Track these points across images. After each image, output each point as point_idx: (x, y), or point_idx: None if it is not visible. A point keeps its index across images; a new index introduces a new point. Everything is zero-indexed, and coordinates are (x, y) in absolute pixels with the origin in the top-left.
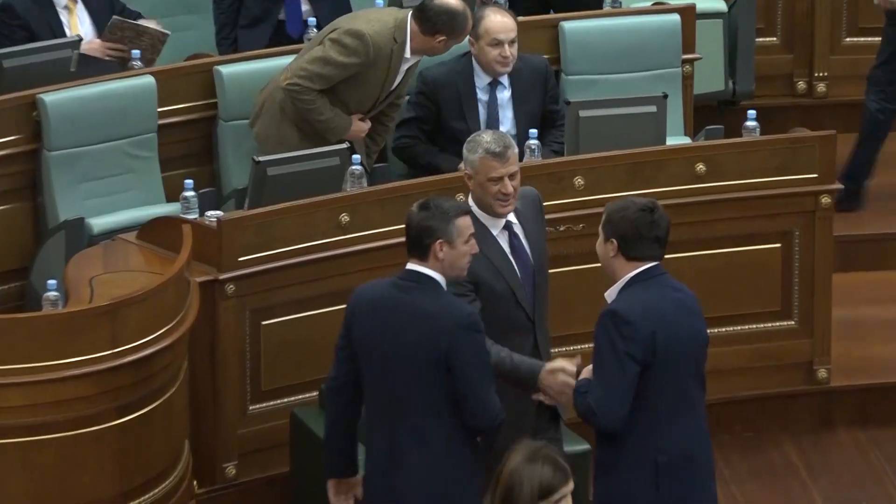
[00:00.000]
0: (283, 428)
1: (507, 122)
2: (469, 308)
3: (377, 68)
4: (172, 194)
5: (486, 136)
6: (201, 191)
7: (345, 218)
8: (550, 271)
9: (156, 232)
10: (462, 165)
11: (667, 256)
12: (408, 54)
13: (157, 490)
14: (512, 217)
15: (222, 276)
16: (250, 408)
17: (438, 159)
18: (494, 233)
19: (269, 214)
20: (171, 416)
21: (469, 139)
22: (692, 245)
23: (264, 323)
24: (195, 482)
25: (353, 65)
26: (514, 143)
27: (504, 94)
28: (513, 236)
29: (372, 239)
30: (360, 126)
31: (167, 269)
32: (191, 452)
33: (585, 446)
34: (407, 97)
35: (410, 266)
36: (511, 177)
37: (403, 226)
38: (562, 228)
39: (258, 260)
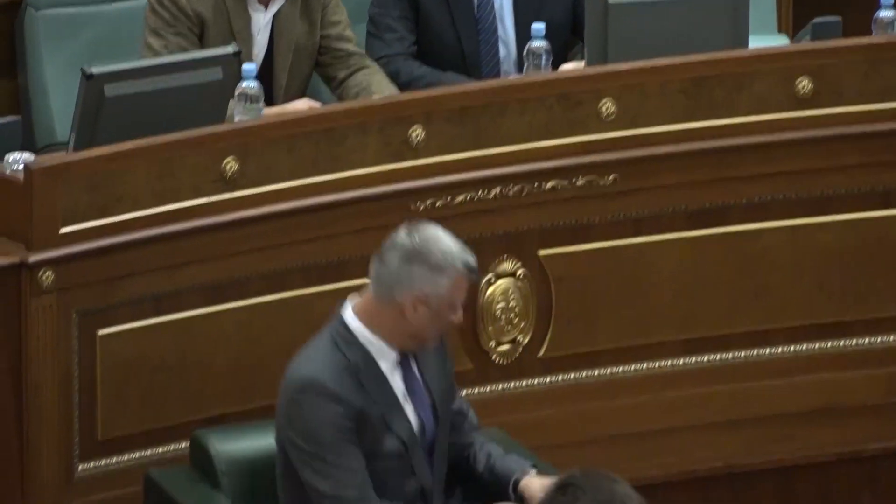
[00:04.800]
0: (131, 500)
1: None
2: None
3: (214, 23)
4: None
5: (450, 244)
6: None
7: (231, 165)
8: (562, 250)
9: None
10: (405, 290)
11: (752, 227)
12: None
13: None
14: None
15: (34, 259)
16: (80, 467)
17: (442, 79)
18: (384, 368)
19: (109, 160)
20: None
21: (423, 250)
22: (791, 209)
23: (102, 332)
24: None
25: (168, 27)
26: None
27: None
28: (408, 371)
29: (274, 199)
30: None
31: None
32: None
33: None
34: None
35: None
36: None
37: (324, 179)
38: (580, 182)
39: (91, 233)
